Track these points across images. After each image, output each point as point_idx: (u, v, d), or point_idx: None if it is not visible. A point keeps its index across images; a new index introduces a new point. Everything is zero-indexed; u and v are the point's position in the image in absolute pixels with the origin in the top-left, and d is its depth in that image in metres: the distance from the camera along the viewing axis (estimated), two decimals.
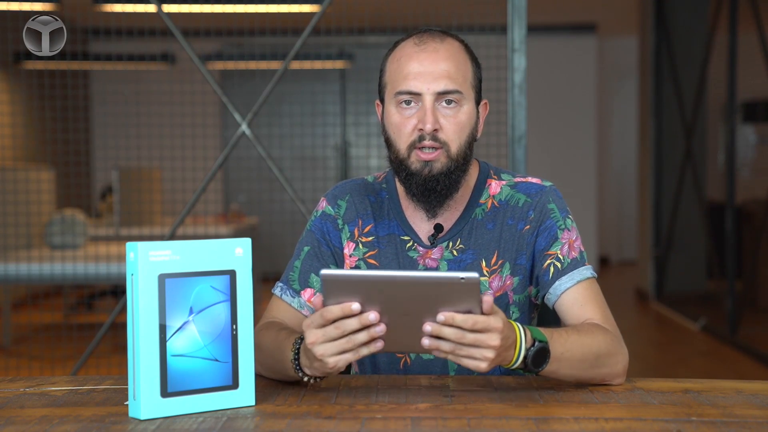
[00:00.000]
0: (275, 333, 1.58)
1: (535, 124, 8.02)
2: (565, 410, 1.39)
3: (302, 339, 1.45)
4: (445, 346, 1.34)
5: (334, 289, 1.34)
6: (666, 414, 1.37)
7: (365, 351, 1.36)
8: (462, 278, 1.29)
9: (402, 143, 1.63)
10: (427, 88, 1.60)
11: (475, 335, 1.33)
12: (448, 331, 1.33)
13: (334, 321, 1.34)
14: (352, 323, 1.34)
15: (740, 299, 5.99)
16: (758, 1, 5.68)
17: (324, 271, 1.32)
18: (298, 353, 1.46)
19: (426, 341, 1.34)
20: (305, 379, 1.47)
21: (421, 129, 1.61)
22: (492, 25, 3.36)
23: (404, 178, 1.65)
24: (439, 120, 1.61)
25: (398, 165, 1.65)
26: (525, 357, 1.42)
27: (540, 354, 1.43)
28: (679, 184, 7.17)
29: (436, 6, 3.53)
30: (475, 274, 1.29)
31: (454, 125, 1.62)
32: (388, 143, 1.67)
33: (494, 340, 1.34)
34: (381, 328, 1.34)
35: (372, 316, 1.33)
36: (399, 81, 1.63)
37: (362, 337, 1.35)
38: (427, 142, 1.61)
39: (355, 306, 1.33)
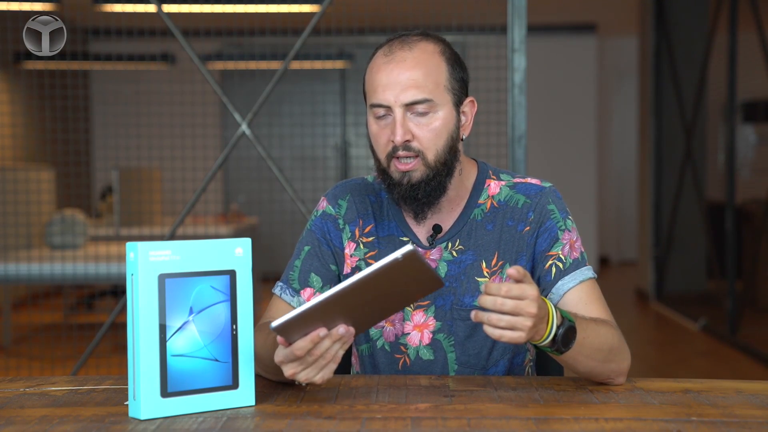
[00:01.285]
0: (265, 335, 1.58)
1: (535, 124, 8.02)
2: (565, 410, 1.39)
3: None
4: (483, 317, 1.36)
5: (292, 330, 1.34)
6: (666, 414, 1.37)
7: (342, 352, 1.38)
8: (399, 256, 1.29)
9: (381, 154, 1.65)
10: (395, 99, 1.61)
11: (515, 302, 1.34)
12: (486, 300, 1.35)
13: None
14: (324, 344, 1.35)
15: (740, 299, 5.98)
16: (758, 1, 5.68)
17: (273, 325, 1.32)
18: None
19: (472, 314, 1.37)
20: (301, 383, 1.46)
21: (393, 141, 1.62)
22: (492, 25, 3.36)
23: (388, 186, 1.67)
24: (411, 130, 1.61)
25: (382, 173, 1.67)
26: (555, 334, 1.43)
27: (569, 332, 1.44)
28: (679, 184, 7.17)
29: (436, 6, 3.52)
30: (409, 246, 1.29)
31: (428, 132, 1.62)
32: (372, 152, 1.68)
33: (531, 307, 1.35)
34: (351, 332, 1.36)
35: (341, 330, 1.35)
36: (371, 93, 1.64)
37: (336, 347, 1.37)
38: (401, 153, 1.62)
39: (322, 332, 1.34)
